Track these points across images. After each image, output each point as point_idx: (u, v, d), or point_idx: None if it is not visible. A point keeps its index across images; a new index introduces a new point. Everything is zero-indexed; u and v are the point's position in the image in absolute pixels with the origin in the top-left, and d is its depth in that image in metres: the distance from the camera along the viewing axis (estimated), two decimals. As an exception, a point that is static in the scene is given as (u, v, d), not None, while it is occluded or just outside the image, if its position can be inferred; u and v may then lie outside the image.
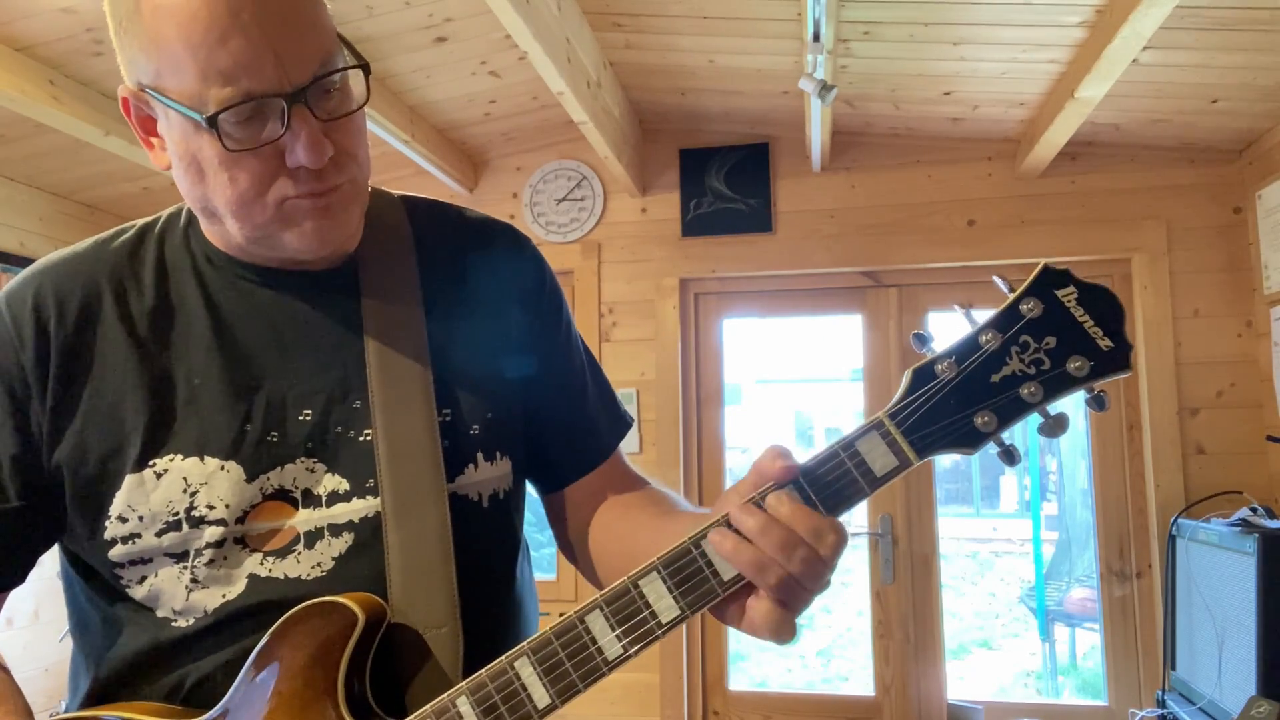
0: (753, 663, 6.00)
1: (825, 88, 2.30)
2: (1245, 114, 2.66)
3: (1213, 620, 2.44)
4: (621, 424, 1.02)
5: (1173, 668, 2.68)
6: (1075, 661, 5.48)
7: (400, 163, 3.34)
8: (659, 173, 3.37)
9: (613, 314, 3.35)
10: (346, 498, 0.81)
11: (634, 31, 2.65)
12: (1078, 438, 4.48)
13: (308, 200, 0.76)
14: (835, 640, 6.51)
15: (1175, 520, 2.73)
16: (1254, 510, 2.58)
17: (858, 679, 5.60)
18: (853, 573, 7.85)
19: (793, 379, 13.10)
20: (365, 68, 0.76)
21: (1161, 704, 2.66)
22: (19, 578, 0.83)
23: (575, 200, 3.42)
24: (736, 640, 3.53)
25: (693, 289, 3.38)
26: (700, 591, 0.71)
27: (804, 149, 3.16)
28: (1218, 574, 2.43)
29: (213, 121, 0.71)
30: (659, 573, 0.72)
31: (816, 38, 2.13)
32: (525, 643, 0.74)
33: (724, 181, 3.29)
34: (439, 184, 3.42)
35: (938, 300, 3.21)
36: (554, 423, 0.96)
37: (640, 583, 0.72)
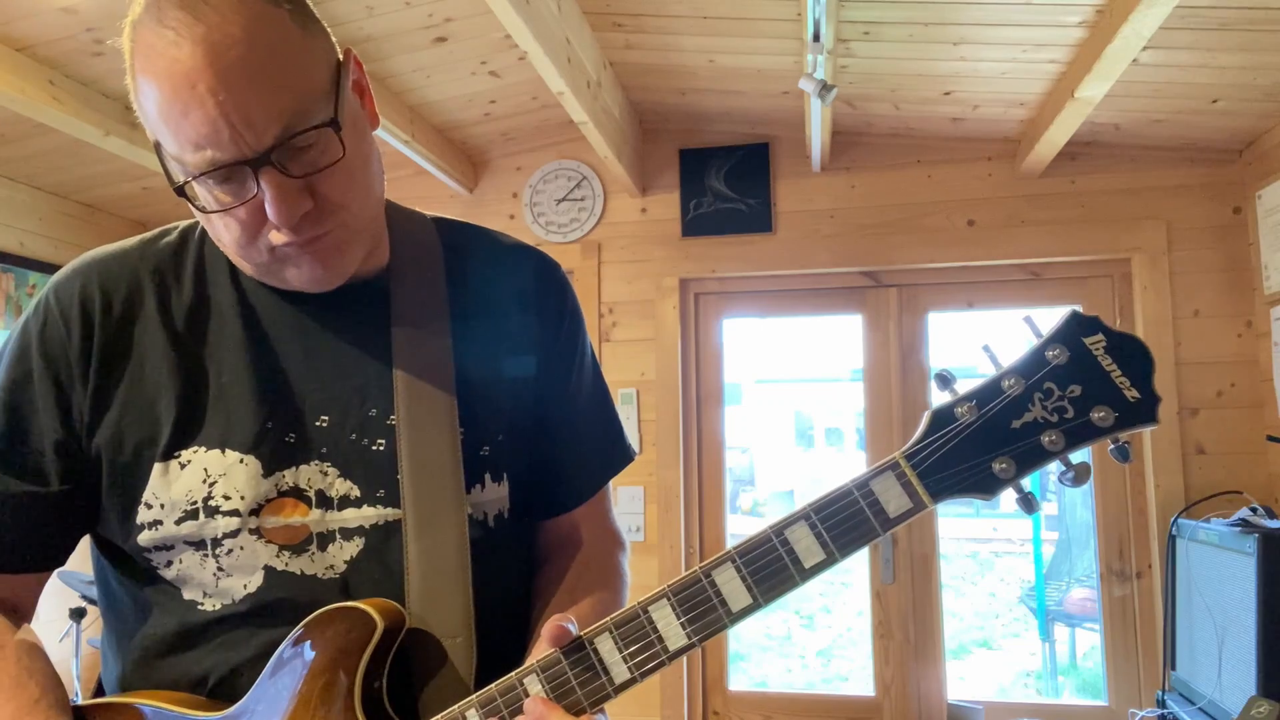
0: (753, 663, 6.00)
1: (825, 88, 2.29)
2: (1245, 114, 2.66)
3: (1213, 620, 2.44)
4: (617, 460, 1.02)
5: (1173, 668, 2.67)
6: (1075, 661, 5.48)
7: (400, 163, 3.34)
8: (659, 173, 3.37)
9: (613, 314, 3.35)
10: (357, 504, 0.83)
11: (634, 31, 2.65)
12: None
13: (294, 248, 0.78)
14: (835, 640, 6.51)
15: (1175, 520, 2.73)
16: (1254, 510, 2.58)
17: (858, 679, 5.60)
18: (853, 573, 7.86)
19: (793, 379, 13.10)
20: (335, 125, 0.75)
21: (1161, 704, 2.65)
22: (59, 560, 0.87)
23: (575, 200, 3.42)
24: (736, 640, 3.53)
25: (693, 289, 3.38)
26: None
27: (804, 149, 3.16)
28: (1218, 574, 2.43)
29: (181, 190, 0.75)
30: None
31: (816, 38, 2.13)
32: (535, 660, 0.76)
33: (724, 181, 3.29)
34: (439, 184, 3.42)
35: (938, 300, 3.20)
36: (545, 457, 0.96)
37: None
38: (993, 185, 3.09)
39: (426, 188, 3.47)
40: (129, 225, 3.66)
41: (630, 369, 3.30)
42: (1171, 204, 2.95)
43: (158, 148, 0.75)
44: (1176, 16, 1.98)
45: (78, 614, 2.90)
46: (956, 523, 9.80)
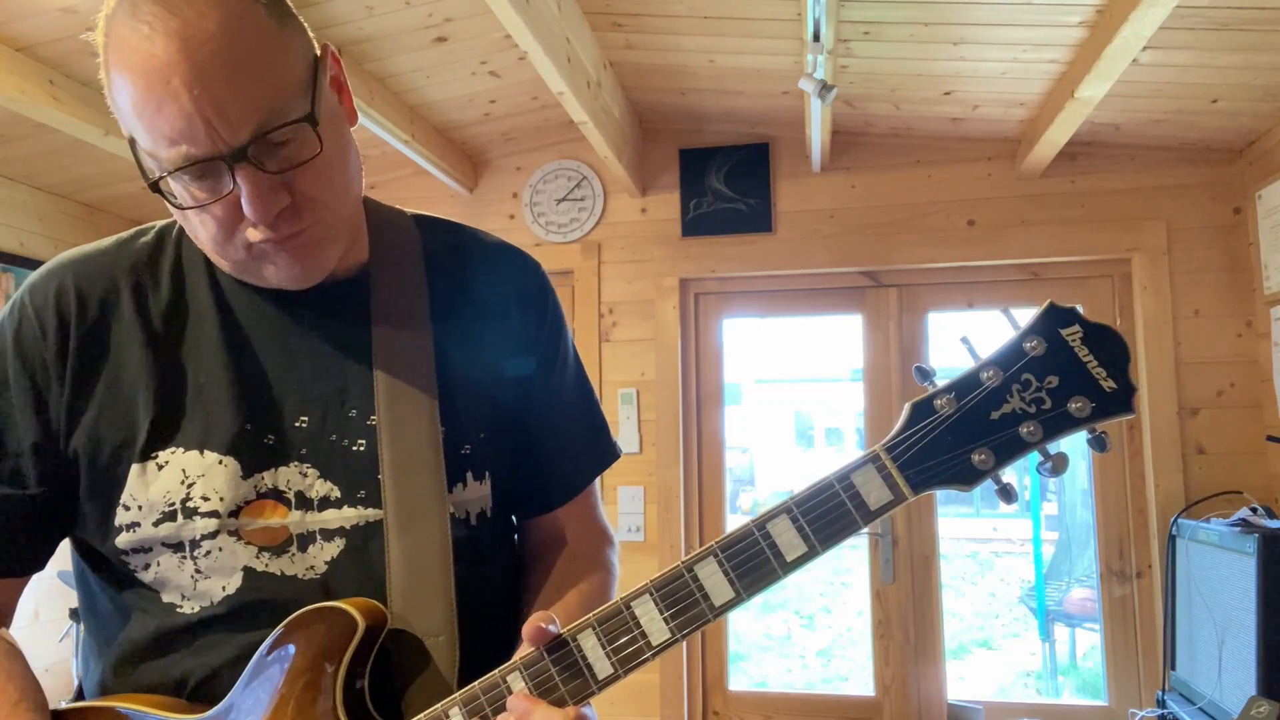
0: (753, 663, 6.00)
1: (825, 88, 2.30)
2: (1245, 114, 2.66)
3: (1213, 620, 2.44)
4: (603, 458, 1.02)
5: (1173, 668, 2.67)
6: (1075, 661, 5.48)
7: (400, 163, 3.34)
8: (659, 173, 3.37)
9: (613, 314, 3.35)
10: (338, 505, 0.83)
11: (634, 31, 2.65)
12: (1077, 438, 4.47)
13: (272, 245, 0.77)
14: (835, 640, 6.51)
15: (1175, 520, 2.73)
16: (1254, 510, 2.58)
17: (858, 679, 5.60)
18: (853, 573, 7.87)
19: (793, 379, 13.12)
20: (312, 120, 0.74)
21: (1161, 704, 2.65)
22: (39, 564, 0.85)
23: (575, 200, 3.42)
24: (736, 640, 3.53)
25: (693, 289, 3.38)
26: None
27: (804, 149, 3.16)
28: (1218, 574, 2.43)
29: (156, 186, 0.74)
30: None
31: (816, 38, 2.13)
32: (519, 657, 0.76)
33: (724, 181, 3.29)
34: (439, 184, 3.42)
35: (938, 300, 3.20)
36: (530, 455, 0.96)
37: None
38: (993, 185, 3.09)
39: (426, 188, 3.47)
40: (128, 225, 3.64)
41: (630, 369, 3.30)
42: (1171, 204, 2.95)
43: (132, 143, 0.74)
44: (1176, 16, 1.98)
45: (78, 614, 2.90)
46: (956, 523, 9.81)
